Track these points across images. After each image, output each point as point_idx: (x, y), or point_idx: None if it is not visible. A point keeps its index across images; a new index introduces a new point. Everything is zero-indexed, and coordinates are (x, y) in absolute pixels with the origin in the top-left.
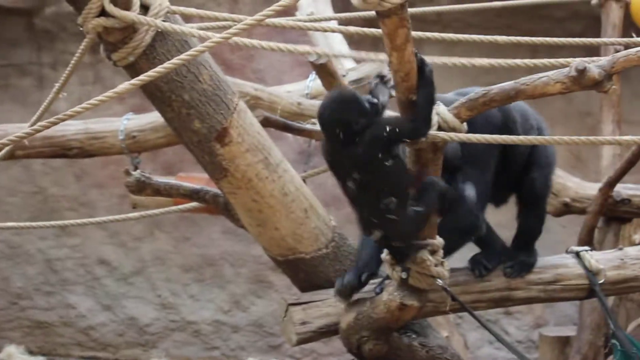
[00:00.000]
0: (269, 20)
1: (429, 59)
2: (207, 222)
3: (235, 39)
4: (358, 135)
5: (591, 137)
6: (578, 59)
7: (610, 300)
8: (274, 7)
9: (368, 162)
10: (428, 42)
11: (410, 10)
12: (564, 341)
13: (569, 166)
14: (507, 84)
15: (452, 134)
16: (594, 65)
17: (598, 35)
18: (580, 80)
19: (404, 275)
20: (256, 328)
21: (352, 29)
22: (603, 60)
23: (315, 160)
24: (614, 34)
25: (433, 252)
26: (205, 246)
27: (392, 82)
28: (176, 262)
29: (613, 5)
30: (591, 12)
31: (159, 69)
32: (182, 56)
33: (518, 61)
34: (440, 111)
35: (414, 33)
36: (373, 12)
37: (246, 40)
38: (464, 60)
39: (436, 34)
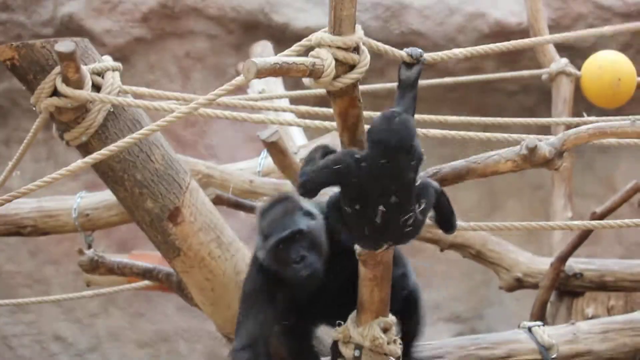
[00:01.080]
0: (219, 100)
1: None
2: (162, 298)
3: (198, 111)
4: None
5: (541, 223)
6: (531, 136)
7: None
8: (226, 86)
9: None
10: None
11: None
12: None
13: (522, 241)
14: (459, 162)
15: None
16: (545, 144)
17: (550, 108)
18: (532, 158)
19: (356, 353)
20: None
21: (303, 108)
22: (554, 138)
23: None
24: (564, 108)
25: (386, 330)
26: (159, 322)
27: None
28: (131, 338)
29: (563, 80)
30: (542, 86)
31: (112, 147)
32: (134, 135)
33: (472, 134)
34: None
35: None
36: (324, 91)
37: (204, 111)
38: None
39: None
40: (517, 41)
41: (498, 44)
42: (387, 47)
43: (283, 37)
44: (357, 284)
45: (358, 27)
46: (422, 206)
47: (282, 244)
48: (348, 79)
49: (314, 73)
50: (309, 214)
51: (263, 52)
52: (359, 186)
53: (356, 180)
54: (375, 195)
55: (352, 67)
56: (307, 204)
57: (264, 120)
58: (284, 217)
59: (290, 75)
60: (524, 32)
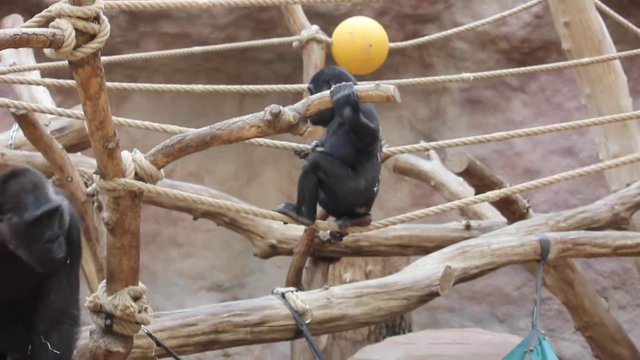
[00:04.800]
0: None
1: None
2: None
3: None
4: None
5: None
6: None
7: (324, 339)
8: None
9: None
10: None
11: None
12: None
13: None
14: (203, 130)
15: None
16: (289, 109)
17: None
18: (276, 124)
19: (107, 322)
20: None
21: (49, 80)
22: (298, 103)
23: None
24: None
25: (136, 299)
26: None
27: None
28: None
29: (314, 47)
30: (297, 53)
31: None
32: None
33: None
34: (137, 158)
35: (120, 84)
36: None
37: None
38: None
39: (140, 85)
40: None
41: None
42: None
43: (38, 11)
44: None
45: None
46: None
47: (39, 220)
48: (88, 48)
49: (55, 43)
50: (58, 191)
51: (14, 25)
52: None
53: None
54: None
55: (92, 36)
56: None
57: (8, 104)
58: (37, 190)
59: (31, 46)
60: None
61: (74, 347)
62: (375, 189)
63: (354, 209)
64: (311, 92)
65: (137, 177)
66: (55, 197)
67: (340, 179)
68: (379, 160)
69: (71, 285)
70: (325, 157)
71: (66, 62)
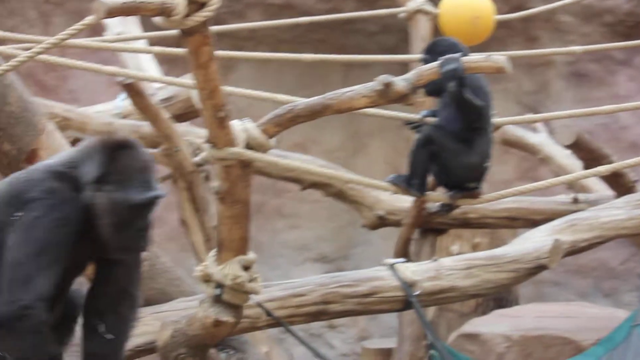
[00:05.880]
0: (74, 41)
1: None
2: None
3: (42, 57)
4: None
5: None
6: None
7: (431, 311)
8: (76, 26)
9: None
10: (241, 60)
11: (223, 27)
12: (386, 353)
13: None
14: (314, 99)
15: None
16: (400, 79)
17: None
18: (387, 93)
19: (217, 291)
20: None
21: (156, 49)
22: (409, 73)
23: None
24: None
25: (246, 268)
26: None
27: None
28: None
29: (421, 18)
30: (402, 25)
31: None
32: None
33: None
34: (248, 127)
35: (228, 52)
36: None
37: (51, 58)
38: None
39: (245, 54)
40: None
41: None
42: None
43: None
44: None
45: None
46: None
47: (143, 205)
48: (199, 16)
49: (165, 11)
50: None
51: None
52: None
53: None
54: None
55: (202, 5)
56: None
57: (116, 72)
58: (146, 173)
59: (141, 14)
60: None
61: (129, 330)
62: (486, 164)
63: (465, 183)
64: (425, 62)
65: (248, 146)
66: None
67: (454, 154)
68: (491, 135)
69: (137, 262)
70: (439, 131)
71: (174, 31)
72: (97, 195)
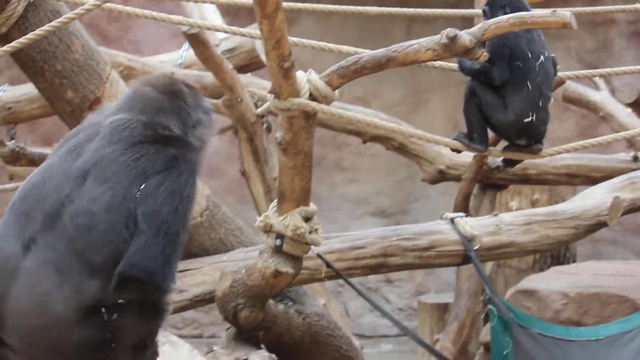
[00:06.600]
0: None
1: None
2: None
3: (108, 5)
4: None
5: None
6: None
7: (489, 267)
8: None
9: None
10: (303, 13)
11: None
12: (443, 308)
13: (446, 134)
14: (379, 51)
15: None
16: (465, 32)
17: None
18: (452, 47)
19: (278, 242)
20: None
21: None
22: (474, 27)
23: None
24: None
25: (307, 219)
26: None
27: None
28: None
29: None
30: None
31: (31, 36)
32: (53, 23)
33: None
34: (312, 79)
35: (288, 3)
36: None
37: (118, 7)
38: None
39: (309, 5)
40: None
41: None
42: None
43: None
44: None
45: None
46: None
47: None
48: None
49: None
50: None
51: None
52: None
53: None
54: None
55: None
56: None
57: (182, 22)
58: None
59: None
60: None
61: None
62: (527, 120)
63: (513, 140)
64: (485, 14)
65: (312, 97)
66: None
67: (491, 108)
68: (534, 89)
69: None
70: (481, 84)
71: None
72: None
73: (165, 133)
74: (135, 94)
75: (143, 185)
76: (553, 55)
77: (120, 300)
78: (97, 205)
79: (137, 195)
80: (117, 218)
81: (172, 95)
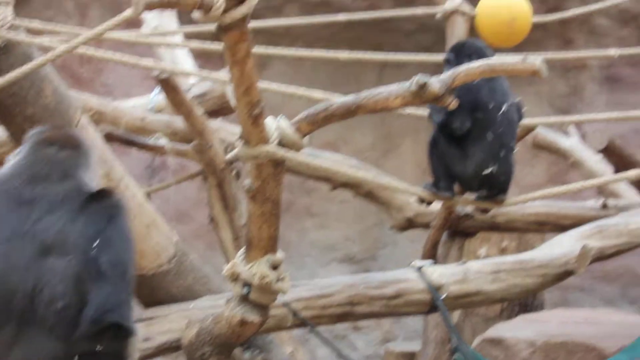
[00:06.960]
0: (111, 35)
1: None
2: None
3: (79, 50)
4: None
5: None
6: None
7: (456, 315)
8: (114, 20)
9: None
10: (276, 57)
11: (259, 23)
12: (409, 356)
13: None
14: (348, 99)
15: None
16: (435, 80)
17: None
18: (422, 94)
19: (245, 290)
20: None
21: (193, 43)
22: (444, 74)
23: (161, 175)
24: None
25: (275, 267)
26: None
27: None
28: None
29: (458, 19)
30: (439, 24)
31: (1, 81)
32: (25, 68)
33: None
34: (282, 126)
35: (262, 49)
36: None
37: (88, 52)
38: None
39: (280, 50)
40: None
41: None
42: None
43: None
44: None
45: None
46: None
47: None
48: (238, 12)
49: (204, 6)
50: None
51: None
52: None
53: None
54: None
55: (241, 1)
56: None
57: (152, 66)
58: None
59: (179, 8)
60: None
61: None
62: (487, 171)
63: (474, 191)
64: (449, 62)
65: (281, 144)
66: None
67: (451, 159)
68: (496, 140)
69: None
70: (443, 135)
71: (209, 27)
72: None
73: (93, 188)
74: (45, 156)
75: (98, 240)
76: (518, 99)
77: (97, 348)
78: (66, 281)
79: (94, 252)
80: (85, 286)
81: (78, 147)
